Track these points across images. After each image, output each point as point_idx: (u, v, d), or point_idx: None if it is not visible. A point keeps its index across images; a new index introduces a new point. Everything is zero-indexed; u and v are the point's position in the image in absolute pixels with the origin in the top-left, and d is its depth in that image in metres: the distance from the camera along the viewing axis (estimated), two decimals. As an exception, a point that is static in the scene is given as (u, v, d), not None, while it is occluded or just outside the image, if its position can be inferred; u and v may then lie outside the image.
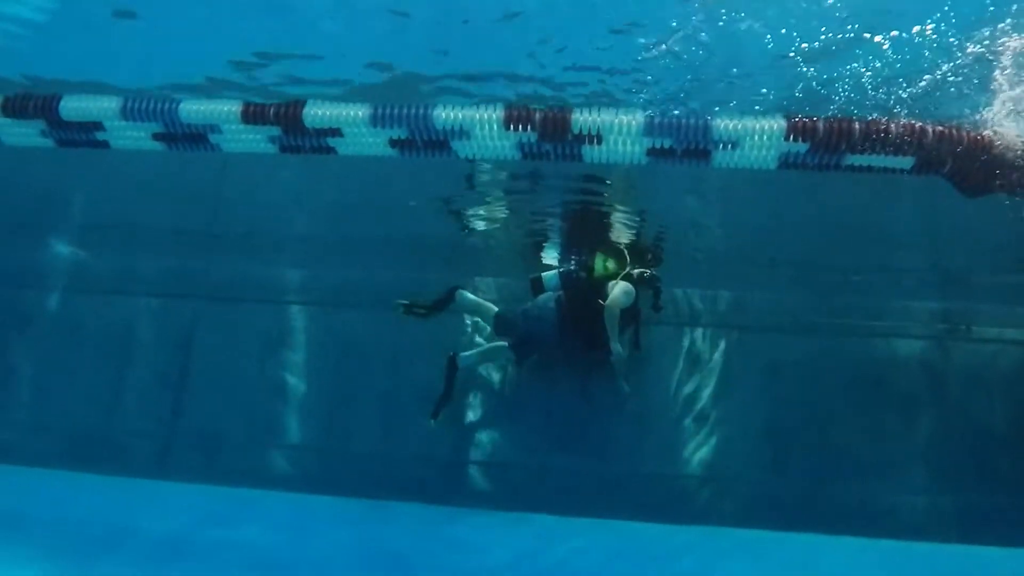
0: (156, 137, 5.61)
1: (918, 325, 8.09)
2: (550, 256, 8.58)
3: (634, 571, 6.85)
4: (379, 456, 7.99)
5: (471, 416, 8.03)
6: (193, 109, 5.31)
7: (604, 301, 7.09)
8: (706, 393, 7.98)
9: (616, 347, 7.12)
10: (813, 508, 7.52)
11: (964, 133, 4.69)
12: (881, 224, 7.16)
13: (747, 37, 4.63)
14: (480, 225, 7.97)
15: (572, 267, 7.63)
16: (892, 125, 4.65)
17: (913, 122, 4.68)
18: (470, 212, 7.68)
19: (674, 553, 7.10)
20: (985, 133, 4.81)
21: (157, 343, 8.60)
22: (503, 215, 7.77)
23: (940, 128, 4.68)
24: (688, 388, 7.99)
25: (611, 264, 7.44)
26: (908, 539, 7.28)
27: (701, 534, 7.41)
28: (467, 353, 7.59)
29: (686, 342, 8.09)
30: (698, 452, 7.83)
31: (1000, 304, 7.94)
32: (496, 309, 7.55)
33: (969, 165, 4.77)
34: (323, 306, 8.62)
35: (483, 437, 7.99)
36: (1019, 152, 4.71)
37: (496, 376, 8.04)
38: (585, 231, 7.78)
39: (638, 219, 7.52)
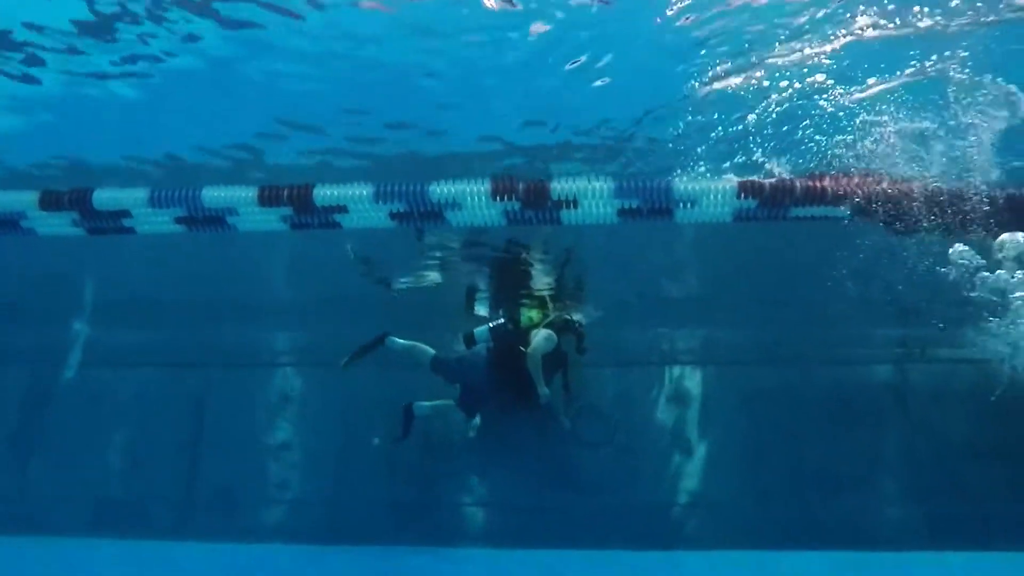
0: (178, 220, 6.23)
1: (879, 351, 8.74)
2: (482, 309, 9.21)
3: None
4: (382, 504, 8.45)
5: (467, 464, 8.55)
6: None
7: (527, 349, 7.62)
8: (688, 426, 8.56)
9: (543, 390, 7.61)
10: (795, 527, 8.02)
11: (889, 183, 5.44)
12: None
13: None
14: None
15: (501, 320, 8.15)
16: (828, 180, 5.37)
17: (845, 176, 5.41)
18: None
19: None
20: (910, 182, 5.55)
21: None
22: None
23: (869, 180, 5.42)
24: (670, 422, 8.58)
25: (534, 314, 8.07)
26: (883, 550, 7.79)
27: (691, 559, 7.91)
28: (422, 404, 8.13)
29: (666, 379, 8.70)
30: (683, 481, 8.38)
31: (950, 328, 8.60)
32: (432, 352, 8.08)
33: (897, 211, 5.50)
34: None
35: (477, 481, 8.52)
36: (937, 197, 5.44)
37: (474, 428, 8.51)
38: (509, 284, 8.43)
39: (559, 269, 8.17)
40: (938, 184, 5.39)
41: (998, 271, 5.81)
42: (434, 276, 8.63)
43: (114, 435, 8.97)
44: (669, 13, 4.87)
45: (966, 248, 5.73)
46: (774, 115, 5.45)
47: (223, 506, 8.60)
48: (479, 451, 8.44)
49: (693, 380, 8.71)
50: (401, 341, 8.12)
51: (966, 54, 5.07)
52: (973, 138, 5.49)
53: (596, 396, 8.51)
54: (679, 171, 5.84)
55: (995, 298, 5.96)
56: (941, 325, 7.67)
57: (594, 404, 8.43)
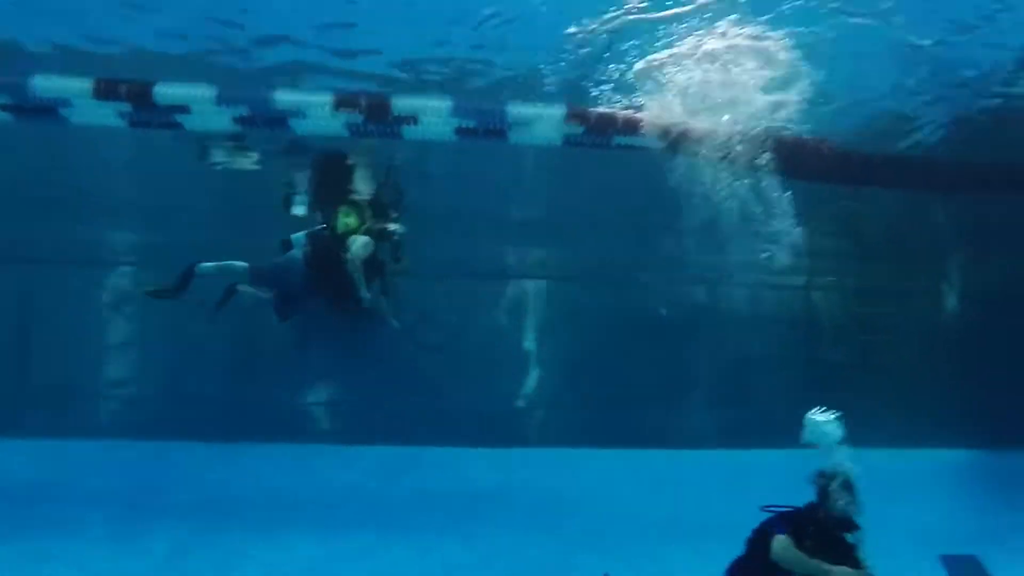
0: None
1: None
2: (299, 209, 8.99)
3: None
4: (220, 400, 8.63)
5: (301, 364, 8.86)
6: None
7: (345, 254, 7.72)
8: (523, 336, 9.23)
9: (365, 294, 7.82)
10: (610, 429, 8.94)
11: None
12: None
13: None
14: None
15: (318, 227, 8.13)
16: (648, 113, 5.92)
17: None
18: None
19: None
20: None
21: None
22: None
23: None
24: (504, 331, 9.24)
25: (351, 220, 7.99)
26: (684, 448, 8.83)
27: (521, 454, 8.70)
28: (205, 264, 7.91)
29: (496, 292, 9.30)
30: (513, 386, 9.11)
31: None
32: (246, 264, 7.96)
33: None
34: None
35: (322, 381, 8.91)
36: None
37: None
38: (330, 186, 8.47)
39: (383, 176, 8.38)
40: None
41: None
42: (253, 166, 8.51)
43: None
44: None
45: None
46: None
47: (55, 403, 8.49)
48: (314, 352, 8.76)
49: (526, 294, 9.31)
50: (209, 264, 7.90)
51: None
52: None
53: (433, 304, 8.96)
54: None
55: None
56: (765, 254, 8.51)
57: (428, 311, 8.90)
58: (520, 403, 9.12)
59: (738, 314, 9.52)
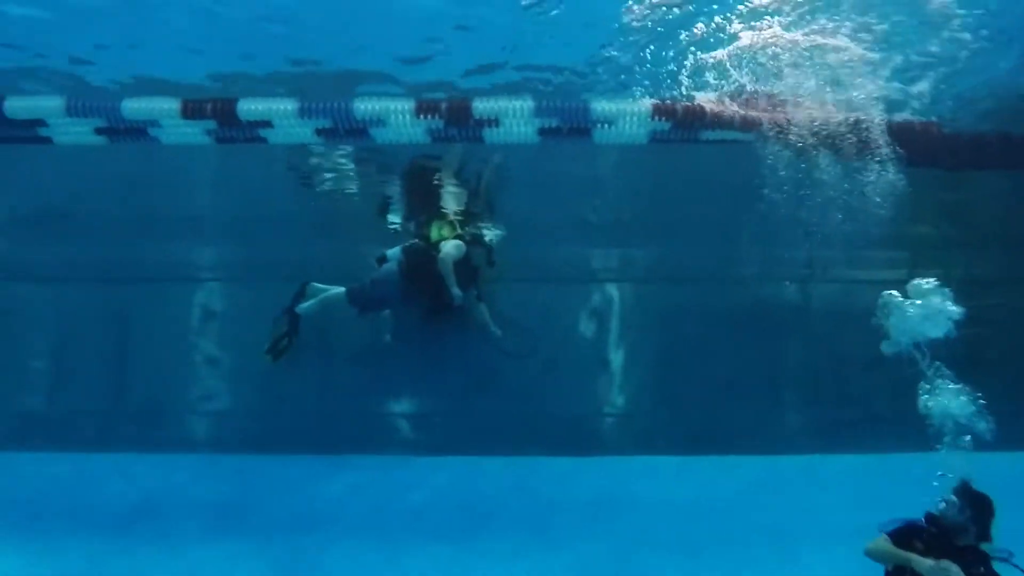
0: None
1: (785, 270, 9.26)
2: (394, 220, 9.29)
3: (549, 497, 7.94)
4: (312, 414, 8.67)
5: (398, 372, 8.77)
6: (136, 107, 5.89)
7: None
8: (607, 339, 8.98)
9: (455, 292, 7.89)
10: (704, 434, 8.59)
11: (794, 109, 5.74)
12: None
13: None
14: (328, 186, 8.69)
15: (412, 240, 8.32)
16: (737, 105, 5.64)
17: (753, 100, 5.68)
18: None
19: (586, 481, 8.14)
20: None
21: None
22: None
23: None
24: (589, 335, 9.01)
25: (445, 230, 8.24)
26: (782, 453, 8.43)
27: (609, 463, 8.41)
28: (306, 304, 8.26)
29: (584, 296, 9.08)
30: (600, 392, 8.89)
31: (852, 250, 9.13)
32: (343, 289, 8.20)
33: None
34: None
35: (403, 390, 8.84)
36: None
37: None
38: (422, 195, 8.56)
39: (466, 189, 8.36)
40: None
41: None
42: (351, 187, 8.65)
43: (36, 350, 8.92)
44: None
45: None
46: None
47: (149, 418, 8.67)
48: (405, 362, 8.69)
49: (611, 296, 9.09)
50: (312, 303, 8.20)
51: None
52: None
53: (519, 311, 8.77)
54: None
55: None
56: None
57: (516, 318, 8.75)
58: (610, 409, 8.88)
59: (835, 311, 9.05)
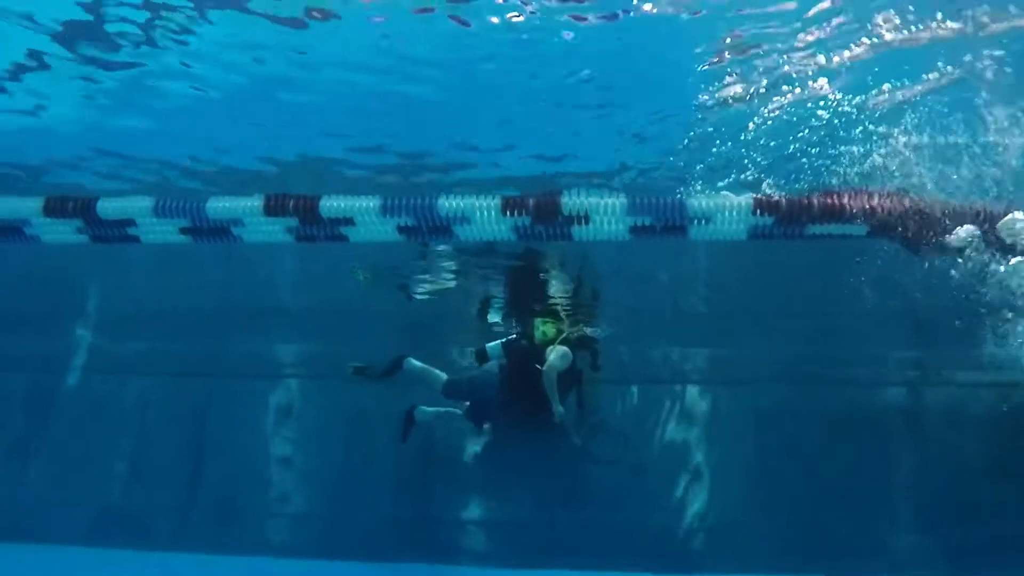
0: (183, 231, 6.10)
1: (893, 372, 8.56)
2: (495, 317, 9.11)
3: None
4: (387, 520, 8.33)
5: (476, 477, 8.44)
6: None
7: (542, 367, 7.52)
8: (699, 445, 8.40)
9: (558, 409, 7.55)
10: (806, 550, 7.85)
11: (908, 200, 5.27)
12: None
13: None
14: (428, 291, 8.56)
15: (514, 336, 8.08)
16: (846, 197, 5.22)
17: (863, 193, 5.25)
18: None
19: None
20: (928, 200, 5.37)
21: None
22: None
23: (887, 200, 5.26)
24: (680, 441, 8.43)
25: (549, 329, 7.91)
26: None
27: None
28: (425, 409, 8.06)
29: (676, 397, 8.55)
30: (693, 502, 8.24)
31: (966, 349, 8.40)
32: (445, 376, 8.01)
33: (917, 229, 5.33)
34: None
35: (488, 498, 8.40)
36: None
37: (481, 443, 8.47)
38: (525, 293, 8.35)
39: (572, 283, 8.09)
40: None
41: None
42: (450, 284, 8.50)
43: (116, 443, 8.88)
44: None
45: None
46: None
47: (224, 518, 8.48)
48: (486, 466, 8.35)
49: (704, 399, 8.55)
50: (418, 364, 8.08)
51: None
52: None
53: (606, 412, 8.37)
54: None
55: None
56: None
57: (604, 421, 8.29)
58: (701, 521, 8.20)
59: (952, 417, 8.29)
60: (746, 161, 5.99)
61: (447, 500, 8.34)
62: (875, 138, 5.71)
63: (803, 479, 8.16)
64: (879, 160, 5.70)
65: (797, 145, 5.93)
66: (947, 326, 8.25)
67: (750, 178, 6.08)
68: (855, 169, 5.68)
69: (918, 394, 8.55)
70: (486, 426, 8.22)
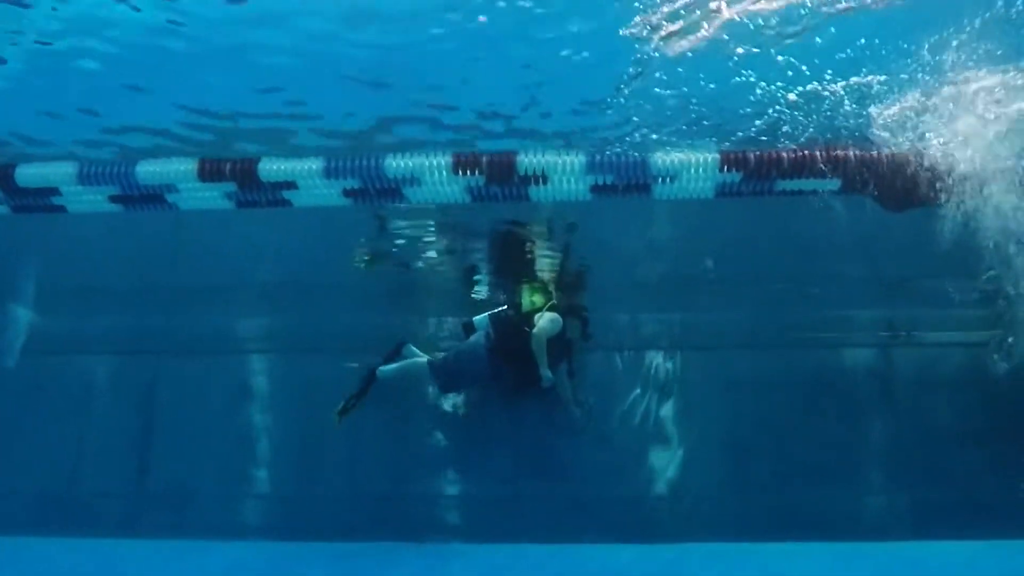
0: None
1: (862, 334, 8.42)
2: (482, 290, 8.79)
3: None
4: (350, 498, 8.06)
5: (440, 451, 8.18)
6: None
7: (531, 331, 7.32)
8: (666, 413, 8.21)
9: (546, 373, 7.31)
10: (776, 518, 7.76)
11: (883, 155, 5.04)
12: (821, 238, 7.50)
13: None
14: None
15: (501, 308, 7.78)
16: (817, 152, 4.97)
17: (836, 149, 5.00)
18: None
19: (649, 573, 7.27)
20: (905, 152, 5.13)
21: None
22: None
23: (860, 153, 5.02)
24: (649, 409, 8.21)
25: (537, 298, 7.75)
26: (868, 540, 7.51)
27: (672, 551, 7.56)
28: (386, 367, 7.74)
29: (644, 364, 8.33)
30: (662, 471, 8.06)
31: (938, 309, 8.29)
32: (424, 359, 7.70)
33: (891, 184, 5.11)
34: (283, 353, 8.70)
35: (453, 472, 8.15)
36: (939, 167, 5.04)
37: (459, 411, 8.22)
38: (511, 263, 8.04)
39: (560, 252, 7.81)
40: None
41: None
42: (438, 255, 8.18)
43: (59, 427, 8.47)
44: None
45: None
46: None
47: (175, 502, 8.14)
48: (453, 441, 8.15)
49: (671, 365, 8.34)
50: (391, 368, 7.74)
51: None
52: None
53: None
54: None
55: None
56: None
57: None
58: (670, 491, 8.04)
59: (926, 378, 8.17)
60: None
61: (413, 477, 8.06)
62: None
63: (773, 446, 8.01)
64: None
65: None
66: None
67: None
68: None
69: (891, 355, 8.39)
70: (457, 398, 8.00)
